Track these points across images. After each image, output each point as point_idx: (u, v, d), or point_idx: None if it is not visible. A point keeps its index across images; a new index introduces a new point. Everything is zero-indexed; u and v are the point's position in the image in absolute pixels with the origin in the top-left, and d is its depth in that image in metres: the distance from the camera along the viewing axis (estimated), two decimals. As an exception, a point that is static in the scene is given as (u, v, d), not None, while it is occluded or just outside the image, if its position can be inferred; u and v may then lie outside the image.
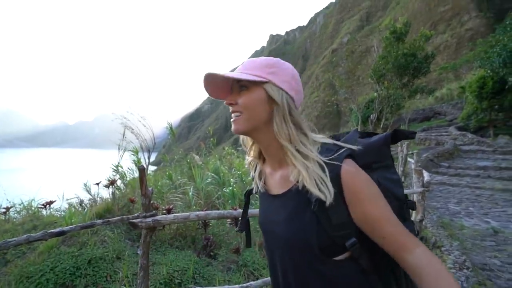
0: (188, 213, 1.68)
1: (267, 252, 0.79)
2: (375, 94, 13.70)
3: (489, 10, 32.34)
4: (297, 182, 0.66)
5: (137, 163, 5.32)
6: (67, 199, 4.40)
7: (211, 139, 7.03)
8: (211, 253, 3.44)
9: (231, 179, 5.13)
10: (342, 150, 0.65)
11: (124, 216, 1.49)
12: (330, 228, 0.62)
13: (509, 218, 4.49)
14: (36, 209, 4.25)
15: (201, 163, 6.45)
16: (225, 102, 0.75)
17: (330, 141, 0.70)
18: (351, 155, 0.65)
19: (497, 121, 12.16)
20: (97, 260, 2.83)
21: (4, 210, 3.93)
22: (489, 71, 10.68)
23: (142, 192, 1.56)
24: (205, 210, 3.51)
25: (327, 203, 0.60)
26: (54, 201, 4.17)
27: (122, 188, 4.62)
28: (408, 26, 14.57)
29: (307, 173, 0.64)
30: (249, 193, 0.91)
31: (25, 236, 1.22)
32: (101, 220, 1.44)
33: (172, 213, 3.33)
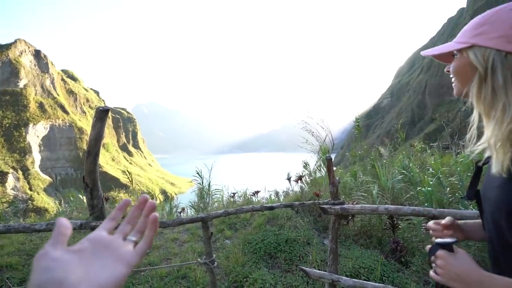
0: (376, 205, 1.62)
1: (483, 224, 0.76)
2: None
3: None
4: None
5: (324, 162, 5.74)
6: (268, 191, 5.53)
7: (399, 132, 6.24)
8: (402, 259, 3.08)
9: (428, 178, 4.31)
10: None
11: (316, 201, 1.68)
12: None
13: None
14: (249, 196, 5.66)
15: (386, 156, 5.95)
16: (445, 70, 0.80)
17: None
18: None
19: None
20: (292, 241, 3.33)
21: (232, 194, 5.55)
22: None
23: (330, 181, 1.69)
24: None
25: None
26: (259, 191, 5.40)
27: (309, 183, 5.16)
28: None
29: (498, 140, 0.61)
30: (481, 162, 0.81)
31: (250, 206, 1.70)
32: (298, 202, 1.72)
33: (355, 210, 3.33)
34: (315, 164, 5.69)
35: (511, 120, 0.60)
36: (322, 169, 5.53)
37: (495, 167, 0.62)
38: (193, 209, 5.83)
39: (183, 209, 5.63)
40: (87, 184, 1.57)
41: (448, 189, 3.98)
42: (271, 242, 3.30)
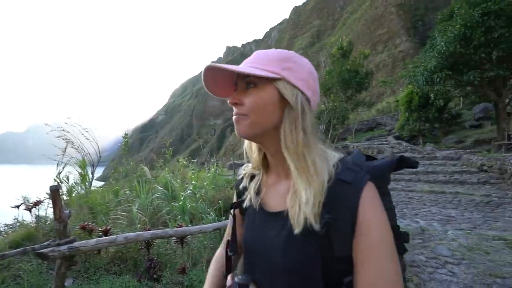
0: (114, 236, 1.52)
1: (247, 274, 0.66)
2: (323, 106, 14.73)
3: (415, 36, 37.73)
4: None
5: (83, 178, 4.81)
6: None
7: (168, 150, 6.66)
8: (155, 276, 3.19)
9: (182, 193, 4.88)
10: (363, 172, 0.56)
11: (28, 247, 1.28)
12: (332, 261, 0.53)
13: (433, 217, 5.09)
14: None
15: (150, 176, 6.06)
16: (228, 101, 0.63)
17: (349, 158, 0.61)
18: (373, 178, 0.56)
19: (424, 130, 14.07)
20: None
21: None
22: (416, 87, 12.34)
23: (56, 216, 1.37)
24: (149, 228, 3.27)
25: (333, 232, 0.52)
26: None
27: (66, 203, 4.08)
28: (352, 45, 16.20)
29: (310, 193, 0.54)
30: (236, 206, 0.75)
31: None
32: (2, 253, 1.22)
33: (110, 234, 3.02)
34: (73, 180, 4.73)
35: (320, 172, 0.56)
36: (85, 185, 4.71)
37: (299, 223, 0.54)
38: None
39: None
40: None
41: (200, 201, 4.76)
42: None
